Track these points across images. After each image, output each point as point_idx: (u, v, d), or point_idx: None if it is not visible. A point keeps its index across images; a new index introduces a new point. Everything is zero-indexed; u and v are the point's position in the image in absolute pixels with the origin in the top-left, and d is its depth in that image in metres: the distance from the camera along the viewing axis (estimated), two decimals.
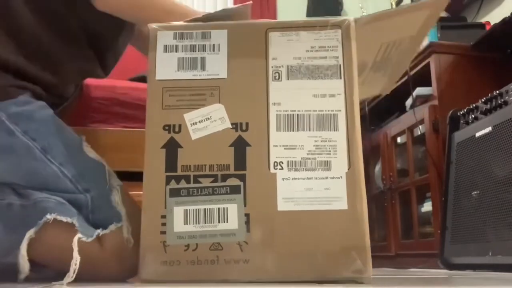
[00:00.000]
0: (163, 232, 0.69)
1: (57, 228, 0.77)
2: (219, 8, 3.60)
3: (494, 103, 1.40)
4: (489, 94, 1.43)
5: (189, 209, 0.69)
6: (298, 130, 0.71)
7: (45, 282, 0.75)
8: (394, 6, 2.80)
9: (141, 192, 1.21)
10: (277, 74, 0.73)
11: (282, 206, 0.69)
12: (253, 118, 0.72)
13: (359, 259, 0.67)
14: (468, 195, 1.44)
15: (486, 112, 1.44)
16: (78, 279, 0.73)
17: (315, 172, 0.70)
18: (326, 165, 0.70)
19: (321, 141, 0.71)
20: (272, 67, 0.74)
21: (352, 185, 0.69)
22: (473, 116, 1.50)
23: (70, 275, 0.73)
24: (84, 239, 0.76)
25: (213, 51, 0.75)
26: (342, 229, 0.68)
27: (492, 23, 1.91)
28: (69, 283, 0.72)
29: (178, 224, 0.69)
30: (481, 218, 1.37)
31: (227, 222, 0.68)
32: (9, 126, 0.82)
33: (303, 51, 0.74)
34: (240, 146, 0.71)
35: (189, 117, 0.72)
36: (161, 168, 0.71)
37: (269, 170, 0.70)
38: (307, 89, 0.73)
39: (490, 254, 1.31)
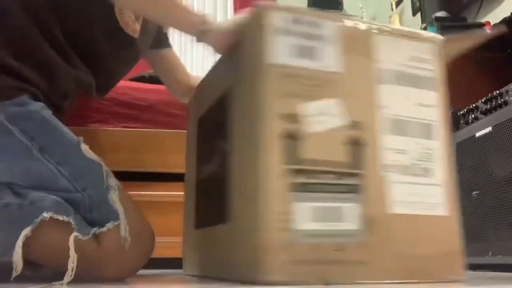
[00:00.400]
0: (285, 230, 0.63)
1: (53, 227, 0.77)
2: (219, 8, 3.57)
3: (494, 103, 1.40)
4: (489, 94, 1.42)
5: (312, 206, 0.65)
6: (405, 135, 0.72)
7: (45, 282, 0.75)
8: (394, 6, 2.80)
9: (141, 192, 1.21)
10: (384, 78, 0.73)
11: (395, 208, 0.69)
12: (365, 118, 0.71)
13: (458, 264, 0.71)
14: (468, 195, 1.44)
15: (486, 112, 1.43)
16: (77, 279, 0.73)
17: (421, 178, 0.72)
18: (430, 172, 0.72)
19: (424, 148, 0.73)
20: (378, 69, 0.73)
21: (450, 193, 0.73)
22: (473, 116, 1.50)
23: (69, 274, 0.73)
24: (80, 237, 0.76)
25: (326, 42, 0.71)
26: (445, 234, 0.71)
27: (492, 23, 1.91)
28: (68, 283, 0.72)
29: (302, 222, 0.64)
30: (481, 218, 1.37)
31: (348, 221, 0.66)
32: (7, 126, 0.82)
33: (406, 59, 0.75)
34: (356, 145, 0.69)
35: (307, 108, 0.68)
36: (279, 160, 0.65)
37: (382, 172, 0.70)
38: (411, 96, 0.74)
39: (490, 254, 1.31)
